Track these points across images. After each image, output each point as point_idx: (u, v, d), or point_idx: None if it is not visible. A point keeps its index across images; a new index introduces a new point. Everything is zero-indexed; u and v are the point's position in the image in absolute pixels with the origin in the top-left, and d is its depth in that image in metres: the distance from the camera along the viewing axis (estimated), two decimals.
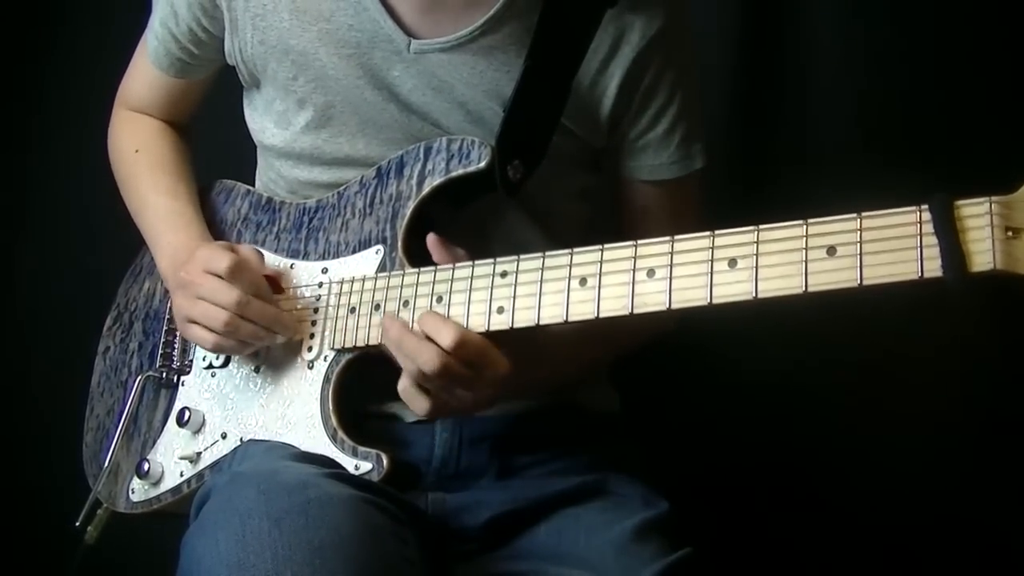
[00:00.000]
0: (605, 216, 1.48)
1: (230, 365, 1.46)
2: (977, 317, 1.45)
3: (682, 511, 1.37)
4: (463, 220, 1.41)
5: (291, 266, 1.46)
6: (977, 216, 1.02)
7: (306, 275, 1.44)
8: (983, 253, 1.01)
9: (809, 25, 1.75)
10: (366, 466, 1.30)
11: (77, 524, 1.50)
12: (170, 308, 1.55)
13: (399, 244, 1.38)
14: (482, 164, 1.35)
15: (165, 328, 1.55)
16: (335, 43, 1.39)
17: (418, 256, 1.37)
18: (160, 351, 1.54)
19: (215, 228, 1.57)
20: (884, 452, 1.72)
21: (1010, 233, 1.01)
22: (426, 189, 1.39)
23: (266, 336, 1.39)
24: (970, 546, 1.68)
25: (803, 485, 1.74)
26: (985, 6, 1.65)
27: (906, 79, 1.69)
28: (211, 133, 1.69)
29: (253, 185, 1.59)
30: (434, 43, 1.37)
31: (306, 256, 1.46)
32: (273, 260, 1.48)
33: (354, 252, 1.41)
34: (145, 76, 1.60)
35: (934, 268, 1.03)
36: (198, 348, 1.49)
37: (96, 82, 1.71)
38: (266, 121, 1.48)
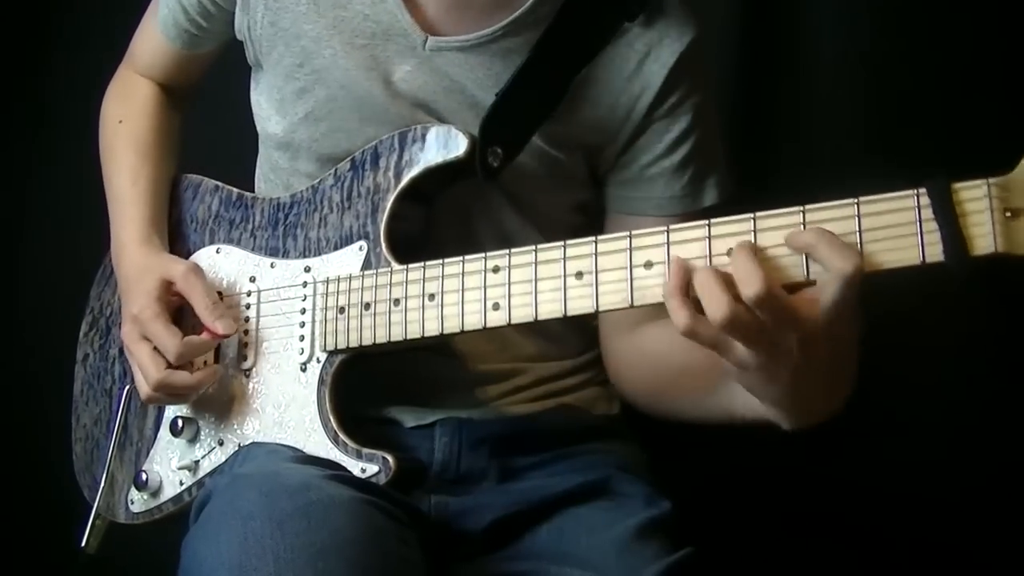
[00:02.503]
0: (599, 227, 1.46)
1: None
2: (980, 315, 1.46)
3: (684, 511, 1.37)
4: (460, 228, 1.39)
5: (271, 265, 1.43)
6: (976, 199, 1.02)
7: (288, 274, 1.41)
8: (984, 236, 1.01)
9: (808, 22, 1.73)
10: (372, 468, 1.30)
11: (84, 545, 1.48)
12: None
13: (382, 240, 1.35)
14: (461, 153, 1.33)
15: None
16: (348, 32, 1.36)
17: (401, 250, 1.35)
18: None
19: (184, 227, 1.54)
20: (887, 452, 1.73)
21: (1009, 214, 1.01)
22: (404, 181, 1.36)
23: (185, 400, 1.42)
24: (972, 547, 1.71)
25: (805, 485, 1.75)
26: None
27: (908, 84, 1.68)
28: (211, 127, 1.64)
29: (253, 179, 1.56)
30: (452, 41, 1.34)
31: (286, 254, 1.43)
32: (252, 259, 1.45)
33: (336, 249, 1.39)
34: (152, 41, 1.58)
35: (935, 253, 1.03)
36: None
37: (98, 81, 1.66)
38: (270, 108, 1.45)
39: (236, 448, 1.40)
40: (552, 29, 1.32)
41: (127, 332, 1.42)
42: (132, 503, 1.47)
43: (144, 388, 1.40)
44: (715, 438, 1.28)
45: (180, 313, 1.44)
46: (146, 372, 1.39)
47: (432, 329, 1.28)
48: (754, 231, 1.11)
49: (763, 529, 1.77)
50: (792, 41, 1.76)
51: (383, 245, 1.35)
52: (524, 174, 1.36)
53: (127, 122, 1.58)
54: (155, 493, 1.45)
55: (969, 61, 1.65)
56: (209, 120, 1.67)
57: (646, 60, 1.35)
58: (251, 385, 1.41)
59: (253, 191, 1.54)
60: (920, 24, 1.67)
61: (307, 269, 1.40)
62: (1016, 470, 1.68)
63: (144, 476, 1.45)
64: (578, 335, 1.47)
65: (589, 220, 1.45)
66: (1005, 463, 1.70)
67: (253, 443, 1.39)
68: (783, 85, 1.76)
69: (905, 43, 1.69)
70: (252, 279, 1.44)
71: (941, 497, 1.72)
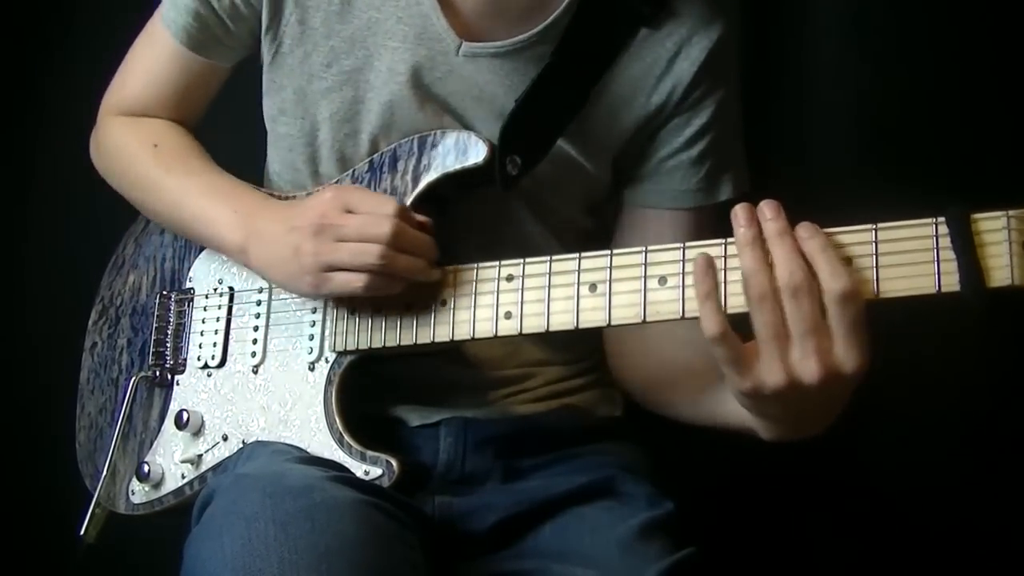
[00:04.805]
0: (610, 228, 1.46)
1: (226, 365, 1.44)
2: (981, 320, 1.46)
3: (686, 512, 1.38)
4: (475, 231, 1.39)
5: None
6: (995, 231, 1.02)
7: None
8: (1001, 269, 1.01)
9: (811, 31, 1.73)
10: (376, 471, 1.30)
11: (83, 533, 1.48)
12: (158, 305, 1.52)
13: None
14: (480, 160, 1.33)
15: (155, 325, 1.52)
16: (381, 34, 1.35)
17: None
18: (152, 349, 1.51)
19: None
20: (889, 452, 1.73)
21: None
22: (421, 185, 1.36)
23: (423, 267, 1.28)
24: (973, 547, 1.70)
25: (806, 485, 1.74)
26: (990, 9, 1.63)
27: (908, 86, 1.67)
28: (218, 124, 1.64)
29: (261, 177, 1.54)
30: (487, 47, 1.33)
31: None
32: None
33: None
34: (149, 73, 1.50)
35: (951, 283, 1.03)
36: (192, 347, 1.47)
37: (100, 79, 1.63)
38: (287, 107, 1.42)
39: (240, 444, 1.40)
40: (568, 34, 1.32)
41: (325, 213, 1.27)
42: (133, 494, 1.47)
43: (371, 254, 1.25)
44: (717, 439, 1.29)
45: None
46: (372, 230, 1.25)
47: (443, 335, 1.28)
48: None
49: (764, 529, 1.76)
50: (793, 44, 1.75)
51: None
52: (544, 180, 1.36)
53: (164, 142, 1.48)
54: (156, 485, 1.45)
55: (970, 65, 1.64)
56: (219, 119, 1.65)
57: (676, 58, 1.34)
58: (258, 381, 1.41)
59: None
60: (928, 30, 1.66)
61: None
62: (1016, 473, 1.68)
63: (146, 467, 1.45)
64: (585, 339, 1.47)
65: (602, 223, 1.45)
66: (1006, 467, 1.69)
67: (257, 441, 1.39)
68: (784, 89, 1.75)
69: (907, 46, 1.67)
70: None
71: (942, 499, 1.71)
